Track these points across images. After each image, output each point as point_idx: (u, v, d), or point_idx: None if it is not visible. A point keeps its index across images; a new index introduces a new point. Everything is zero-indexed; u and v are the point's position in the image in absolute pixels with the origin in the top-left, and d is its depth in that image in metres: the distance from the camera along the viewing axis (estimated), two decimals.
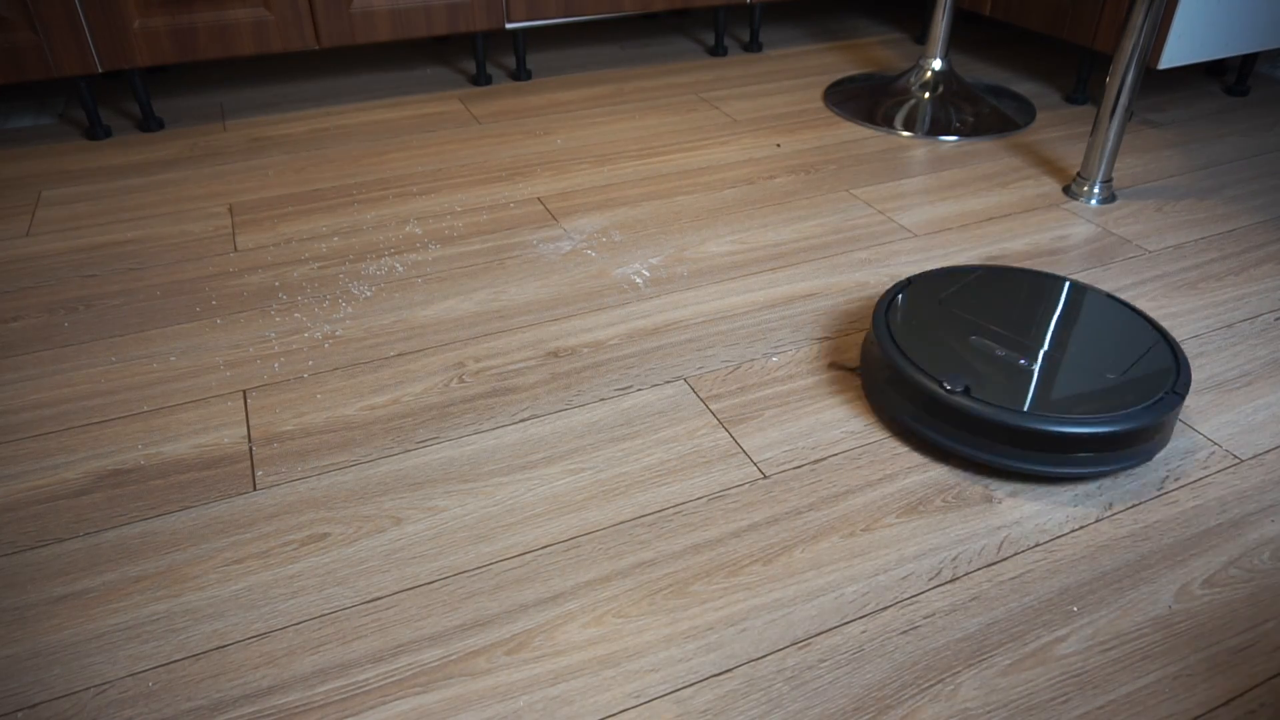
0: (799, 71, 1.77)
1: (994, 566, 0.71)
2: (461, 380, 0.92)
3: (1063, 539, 0.74)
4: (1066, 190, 1.30)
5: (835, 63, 1.82)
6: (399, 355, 0.95)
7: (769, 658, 0.64)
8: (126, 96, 1.64)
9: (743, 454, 0.82)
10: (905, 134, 1.49)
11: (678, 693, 0.62)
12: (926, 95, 1.58)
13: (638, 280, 1.09)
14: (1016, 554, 0.72)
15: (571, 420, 0.86)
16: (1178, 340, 0.94)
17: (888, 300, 0.90)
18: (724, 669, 0.63)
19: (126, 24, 1.38)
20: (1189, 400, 0.89)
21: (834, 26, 2.06)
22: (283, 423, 0.86)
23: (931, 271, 0.96)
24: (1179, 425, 0.86)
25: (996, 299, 0.91)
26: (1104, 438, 0.76)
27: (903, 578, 0.70)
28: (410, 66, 1.79)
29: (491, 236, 1.18)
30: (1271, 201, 1.28)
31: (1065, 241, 1.17)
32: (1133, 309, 0.90)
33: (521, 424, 0.86)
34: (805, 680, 0.62)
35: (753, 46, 1.90)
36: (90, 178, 1.34)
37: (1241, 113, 1.58)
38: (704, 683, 0.62)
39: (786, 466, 0.81)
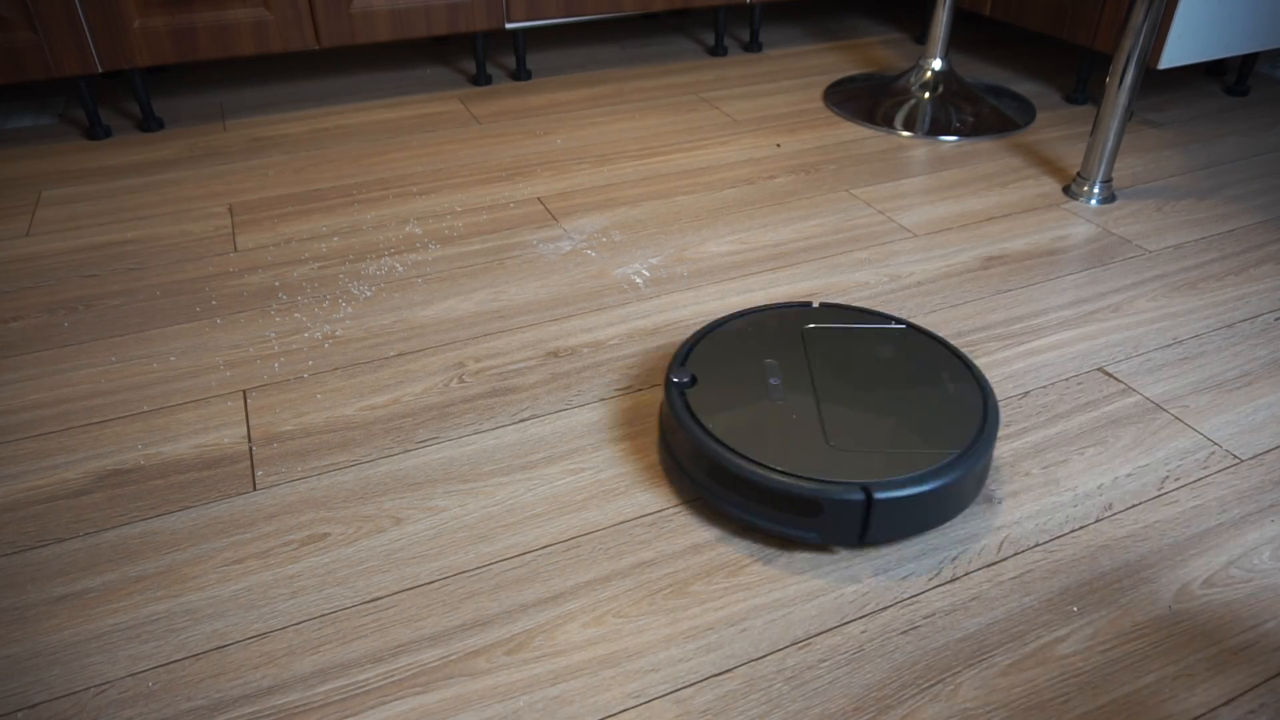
0: (799, 71, 1.77)
1: (994, 566, 0.71)
2: (461, 380, 0.92)
3: (1063, 539, 0.74)
4: (1066, 190, 1.30)
5: (835, 63, 1.82)
6: (399, 355, 0.95)
7: (769, 658, 0.64)
8: (126, 96, 1.64)
9: None
10: (905, 134, 1.49)
11: (678, 693, 0.62)
12: (926, 95, 1.58)
13: (638, 280, 1.09)
14: (1016, 554, 0.72)
15: (571, 420, 0.86)
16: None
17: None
18: (724, 669, 0.63)
19: (126, 24, 1.38)
20: (1189, 400, 0.89)
21: (834, 26, 2.06)
22: (283, 423, 0.86)
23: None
24: (1180, 425, 0.86)
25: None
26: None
27: (903, 578, 0.70)
28: (410, 66, 1.79)
29: (491, 236, 1.18)
30: (1271, 201, 1.28)
31: (1065, 241, 1.17)
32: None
33: (521, 424, 0.86)
34: (805, 680, 0.62)
35: (753, 46, 1.90)
36: (90, 178, 1.34)
37: (1241, 113, 1.58)
38: (704, 683, 0.62)
39: None
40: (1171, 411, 0.87)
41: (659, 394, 0.89)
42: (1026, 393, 0.90)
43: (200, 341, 0.98)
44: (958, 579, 0.70)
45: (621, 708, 0.61)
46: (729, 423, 0.73)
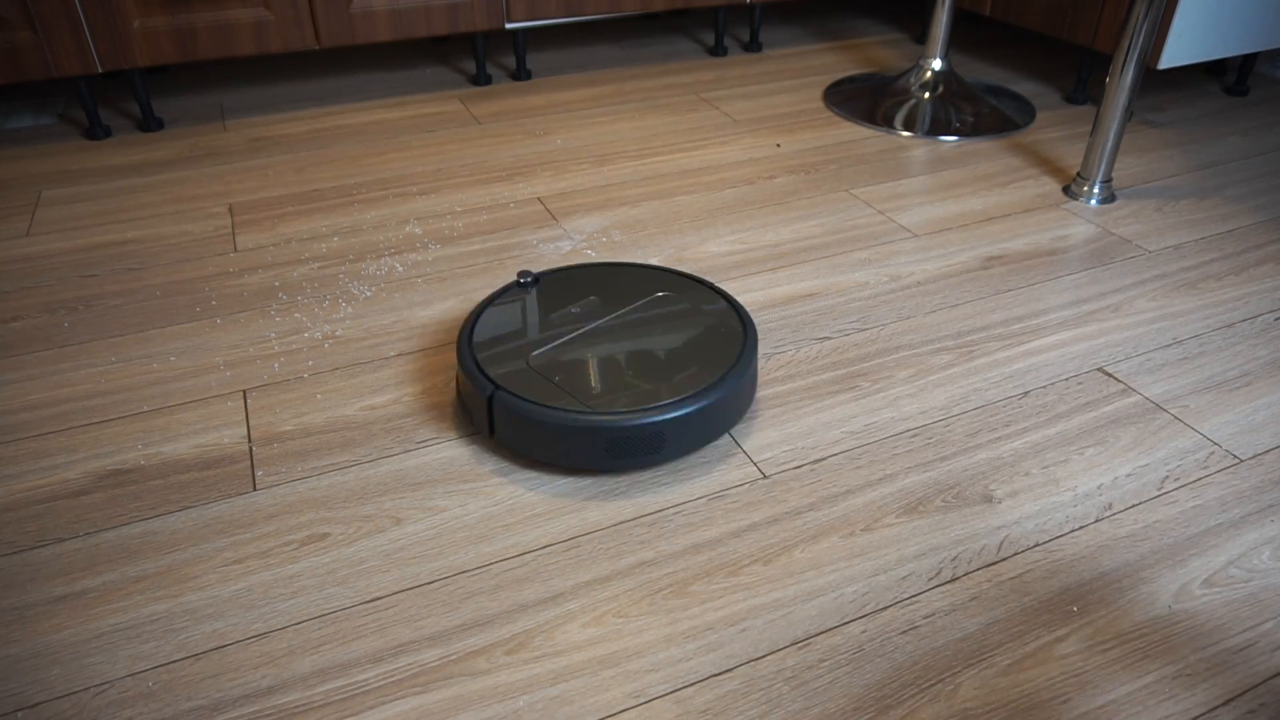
0: (799, 71, 1.77)
1: (994, 566, 0.71)
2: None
3: (1063, 539, 0.74)
4: (1066, 190, 1.31)
5: (835, 63, 1.82)
6: (399, 355, 0.95)
7: (769, 658, 0.64)
8: (126, 96, 1.64)
9: (743, 454, 0.82)
10: (905, 134, 1.49)
11: (678, 693, 0.62)
12: (926, 95, 1.58)
13: None
14: (1016, 554, 0.72)
15: None
16: None
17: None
18: (724, 669, 0.63)
19: (126, 24, 1.38)
20: (1189, 400, 0.89)
21: (834, 26, 2.06)
22: (283, 423, 0.86)
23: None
24: (1180, 425, 0.86)
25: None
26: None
27: (903, 578, 0.70)
28: (410, 66, 1.79)
29: (492, 236, 1.18)
30: (1271, 201, 1.28)
31: (1065, 241, 1.17)
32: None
33: None
34: (805, 680, 0.62)
35: (753, 46, 1.90)
36: (90, 178, 1.34)
37: (1241, 113, 1.58)
38: (704, 683, 0.62)
39: (787, 466, 0.81)
40: (1171, 411, 0.88)
41: None
42: (1026, 392, 0.90)
43: (200, 341, 0.98)
44: (957, 579, 0.70)
45: (621, 708, 0.61)
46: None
